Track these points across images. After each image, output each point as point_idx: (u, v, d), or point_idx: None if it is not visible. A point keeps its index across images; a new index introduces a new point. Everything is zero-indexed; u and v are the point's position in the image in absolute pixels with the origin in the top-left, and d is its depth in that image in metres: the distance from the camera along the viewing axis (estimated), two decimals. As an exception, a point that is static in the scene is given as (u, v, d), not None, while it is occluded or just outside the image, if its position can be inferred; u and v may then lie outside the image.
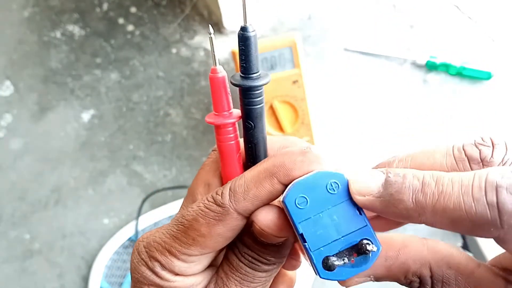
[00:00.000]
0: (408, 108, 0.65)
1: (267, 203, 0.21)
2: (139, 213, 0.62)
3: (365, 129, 0.64)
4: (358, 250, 0.19)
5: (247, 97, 0.22)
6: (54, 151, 0.68)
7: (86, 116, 0.69)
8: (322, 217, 0.19)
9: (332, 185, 0.19)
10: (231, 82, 0.22)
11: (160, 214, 0.62)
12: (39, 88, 0.71)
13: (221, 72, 0.22)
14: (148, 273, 0.22)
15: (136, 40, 0.72)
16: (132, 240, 0.62)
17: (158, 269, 0.22)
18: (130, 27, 0.72)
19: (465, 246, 0.59)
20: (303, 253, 0.23)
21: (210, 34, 0.22)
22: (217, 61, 0.22)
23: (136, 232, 0.61)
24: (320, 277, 0.18)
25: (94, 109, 0.69)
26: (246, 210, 0.21)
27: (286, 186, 0.20)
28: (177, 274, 0.22)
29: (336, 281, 0.19)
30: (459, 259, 0.21)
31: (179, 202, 0.62)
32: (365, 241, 0.18)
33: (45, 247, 0.64)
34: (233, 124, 0.23)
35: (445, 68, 0.65)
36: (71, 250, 0.64)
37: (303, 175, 0.20)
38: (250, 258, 0.22)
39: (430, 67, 0.65)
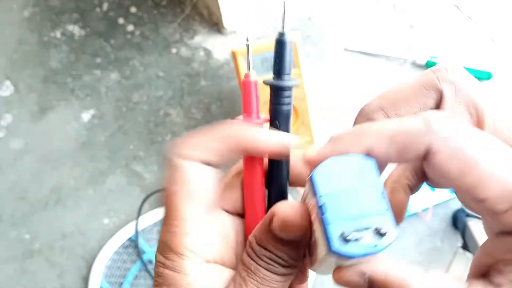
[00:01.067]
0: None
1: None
2: (139, 213, 0.62)
3: (365, 129, 0.64)
4: (375, 231, 0.18)
5: (278, 95, 0.24)
6: (54, 151, 0.68)
7: (86, 116, 0.69)
8: (346, 195, 0.19)
9: (361, 169, 0.19)
10: (264, 82, 0.24)
11: (160, 214, 0.62)
12: (39, 88, 0.71)
13: (254, 77, 0.24)
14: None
15: (136, 40, 0.72)
16: (132, 240, 0.62)
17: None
18: (130, 27, 0.72)
19: (465, 246, 0.60)
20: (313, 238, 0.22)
21: (247, 41, 0.24)
22: (251, 66, 0.24)
23: (136, 232, 0.61)
24: (331, 249, 0.18)
25: (94, 109, 0.69)
26: (195, 155, 0.23)
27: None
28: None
29: (344, 257, 0.19)
30: None
31: (179, 202, 0.62)
32: (383, 225, 0.18)
33: (45, 247, 0.64)
34: (262, 125, 0.24)
35: (445, 68, 0.65)
36: (71, 250, 0.64)
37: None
38: (267, 260, 0.22)
39: (430, 67, 0.65)
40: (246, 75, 0.24)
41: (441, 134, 0.19)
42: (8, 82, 0.72)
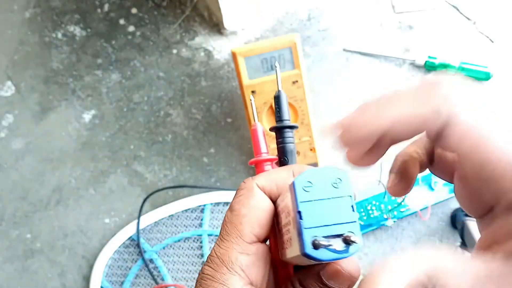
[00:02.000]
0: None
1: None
2: (140, 213, 0.62)
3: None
4: (343, 240, 0.21)
5: (282, 136, 0.29)
6: (56, 151, 0.68)
7: (87, 116, 0.69)
8: (321, 204, 0.21)
9: (336, 180, 0.22)
10: (270, 130, 0.29)
11: (160, 213, 0.62)
12: (40, 88, 0.71)
13: (260, 126, 0.30)
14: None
15: (136, 41, 0.72)
16: (133, 240, 0.62)
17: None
18: (131, 28, 0.73)
19: (463, 246, 0.60)
20: (285, 238, 0.25)
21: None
22: (256, 118, 0.31)
23: (137, 232, 0.62)
24: (304, 252, 0.21)
25: (95, 109, 0.70)
26: (266, 185, 0.25)
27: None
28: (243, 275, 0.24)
29: (314, 260, 0.21)
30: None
31: (180, 202, 0.63)
32: (351, 234, 0.21)
33: (46, 246, 0.65)
34: (272, 161, 0.29)
35: (444, 68, 0.65)
36: (72, 249, 0.64)
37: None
38: None
39: (429, 67, 0.65)
40: (254, 125, 0.30)
41: (457, 108, 0.20)
42: (9, 83, 0.72)
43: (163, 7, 0.73)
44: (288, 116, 0.29)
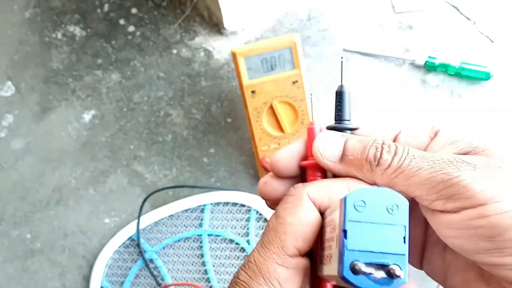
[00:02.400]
0: (407, 108, 0.65)
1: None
2: (140, 213, 0.62)
3: (365, 129, 0.65)
4: (387, 271, 0.19)
5: None
6: (56, 151, 0.68)
7: (87, 116, 0.69)
8: (370, 227, 0.20)
9: (393, 206, 0.20)
10: (327, 128, 0.27)
11: (160, 213, 0.62)
12: (40, 88, 0.72)
13: (317, 125, 0.28)
14: None
15: (136, 41, 0.72)
16: (133, 240, 0.62)
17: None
18: (131, 28, 0.73)
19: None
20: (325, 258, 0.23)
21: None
22: (312, 115, 0.28)
23: (137, 232, 0.62)
24: (342, 275, 0.19)
25: (95, 110, 0.70)
26: (317, 196, 0.23)
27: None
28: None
29: (350, 284, 0.20)
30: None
31: (180, 202, 0.63)
32: (396, 266, 0.19)
33: (46, 246, 0.65)
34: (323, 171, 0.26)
35: (444, 68, 0.65)
36: (72, 249, 0.64)
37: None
38: None
39: (429, 67, 0.65)
40: (311, 124, 0.27)
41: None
42: (9, 83, 0.72)
43: (163, 7, 0.73)
44: (349, 116, 0.27)
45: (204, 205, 0.62)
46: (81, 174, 0.67)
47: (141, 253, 0.61)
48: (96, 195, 0.66)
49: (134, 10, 0.74)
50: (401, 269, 0.19)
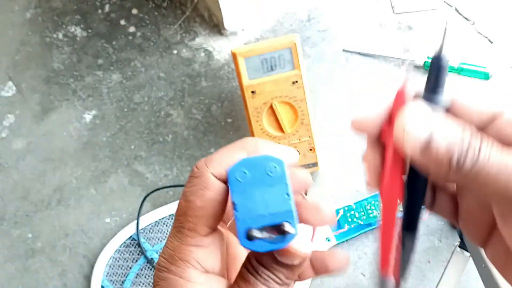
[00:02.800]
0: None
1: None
2: (139, 212, 0.63)
3: (364, 129, 0.65)
4: (278, 230, 0.21)
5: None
6: (57, 151, 0.69)
7: (88, 116, 0.70)
8: (255, 193, 0.21)
9: (271, 168, 0.21)
10: (418, 97, 0.23)
11: (161, 213, 0.63)
12: (41, 88, 0.72)
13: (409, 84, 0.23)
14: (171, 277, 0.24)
15: (137, 41, 0.73)
16: (134, 239, 0.62)
17: (179, 270, 0.24)
18: (132, 29, 0.73)
19: (462, 246, 0.60)
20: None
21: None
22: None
23: (137, 231, 0.62)
24: (241, 244, 0.21)
25: (96, 110, 0.70)
26: (220, 173, 0.23)
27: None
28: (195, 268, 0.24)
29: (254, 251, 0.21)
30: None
31: (180, 201, 0.63)
32: (285, 223, 0.21)
33: (47, 246, 0.65)
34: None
35: (443, 69, 0.65)
36: (73, 249, 0.65)
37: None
38: (265, 277, 0.23)
39: (428, 67, 0.66)
40: (403, 86, 0.23)
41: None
42: (10, 83, 0.73)
43: (164, 8, 0.74)
44: (443, 89, 0.23)
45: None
46: (82, 174, 0.67)
47: (142, 252, 0.62)
48: (97, 195, 0.66)
49: (134, 11, 0.74)
50: (290, 224, 0.21)
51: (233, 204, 0.21)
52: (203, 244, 0.24)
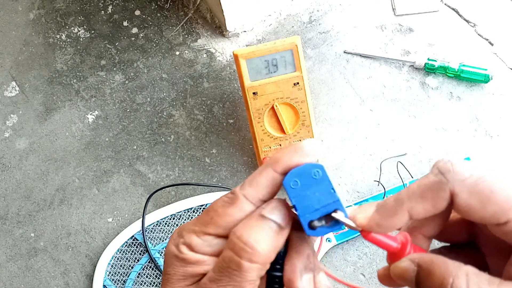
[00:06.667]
0: (407, 110, 0.66)
1: (271, 191, 0.27)
2: (144, 212, 0.63)
3: (364, 131, 0.65)
4: (332, 217, 0.26)
5: None
6: (59, 151, 0.69)
7: (90, 116, 0.70)
8: (308, 193, 0.26)
9: (315, 173, 0.26)
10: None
11: (163, 213, 0.63)
12: (44, 89, 0.72)
13: None
14: (172, 248, 0.28)
15: (140, 42, 0.73)
16: (136, 239, 0.63)
17: (180, 244, 0.27)
18: (134, 30, 0.74)
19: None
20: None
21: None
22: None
23: (143, 230, 0.62)
24: (307, 234, 0.26)
25: (99, 110, 0.70)
26: (252, 195, 0.27)
27: (283, 175, 0.27)
28: (192, 250, 0.27)
29: (318, 236, 0.27)
30: None
31: (182, 202, 0.63)
32: (336, 212, 0.26)
33: (50, 245, 0.66)
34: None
35: (444, 70, 0.66)
36: (76, 248, 0.65)
37: (296, 165, 0.27)
38: None
39: (429, 69, 0.66)
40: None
41: (457, 177, 0.24)
42: (14, 83, 0.73)
43: (166, 9, 0.74)
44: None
45: (206, 205, 0.63)
46: (84, 173, 0.68)
47: (146, 250, 0.62)
48: (99, 195, 0.67)
49: (137, 12, 0.75)
50: (340, 210, 0.26)
51: (293, 206, 0.26)
52: (210, 244, 0.28)
